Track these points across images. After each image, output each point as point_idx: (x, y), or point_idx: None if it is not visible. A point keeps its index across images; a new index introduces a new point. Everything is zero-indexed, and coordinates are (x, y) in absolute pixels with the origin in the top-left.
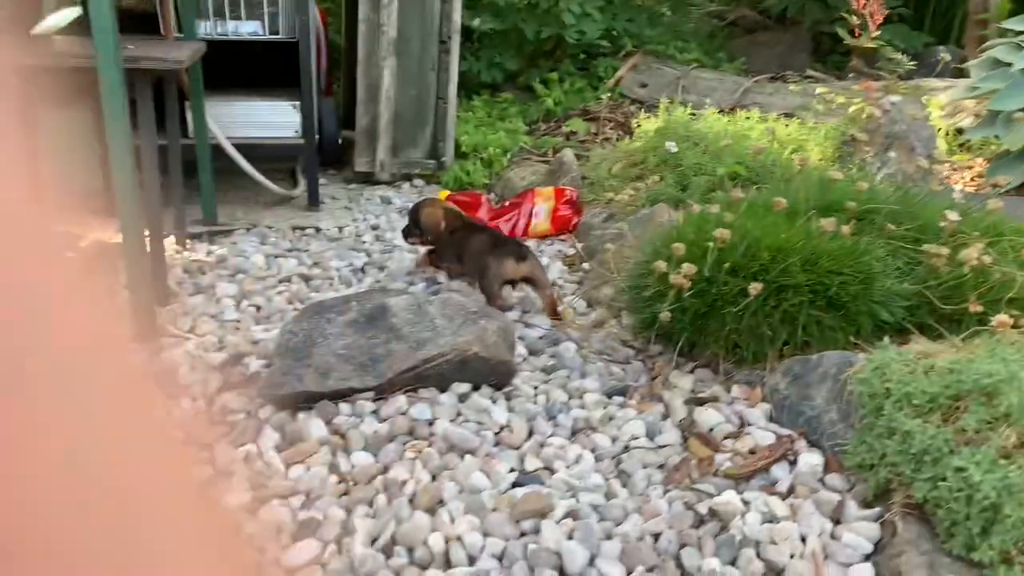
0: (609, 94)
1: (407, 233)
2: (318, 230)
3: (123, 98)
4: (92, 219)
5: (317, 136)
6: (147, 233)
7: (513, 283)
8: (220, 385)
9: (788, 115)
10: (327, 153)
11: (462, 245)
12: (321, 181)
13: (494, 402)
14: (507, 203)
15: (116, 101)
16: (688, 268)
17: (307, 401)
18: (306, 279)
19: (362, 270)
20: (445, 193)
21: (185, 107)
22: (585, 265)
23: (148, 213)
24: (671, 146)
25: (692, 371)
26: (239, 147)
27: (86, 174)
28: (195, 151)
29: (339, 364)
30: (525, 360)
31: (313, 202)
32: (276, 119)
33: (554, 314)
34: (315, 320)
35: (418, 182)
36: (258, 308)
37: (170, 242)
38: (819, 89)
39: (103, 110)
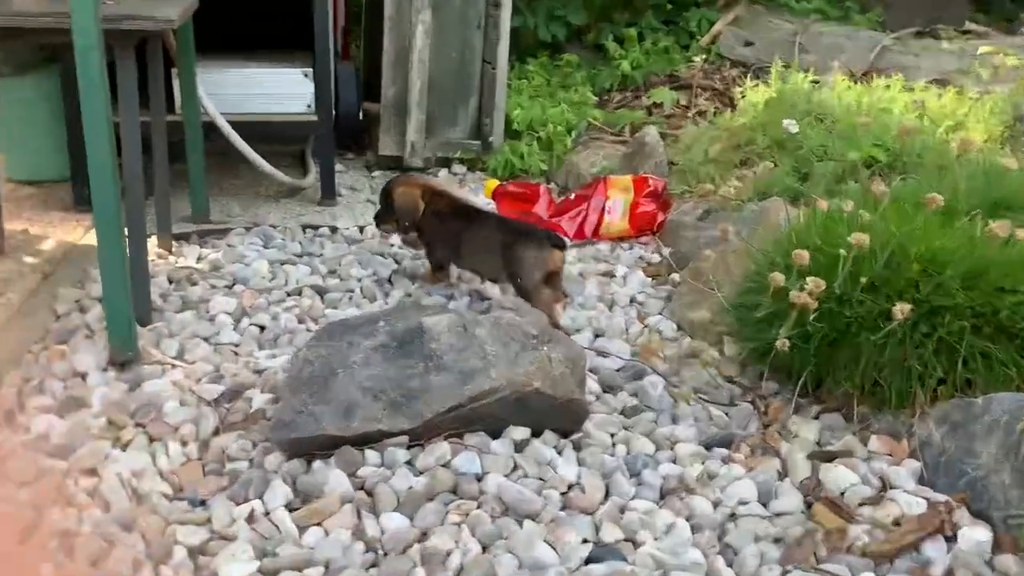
0: (704, 56)
1: (379, 219)
2: (334, 230)
3: (101, 66)
4: (56, 215)
5: (333, 111)
6: (126, 233)
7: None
8: (216, 425)
9: (941, 82)
10: (344, 132)
11: (460, 235)
12: (338, 168)
13: (560, 452)
14: (572, 195)
15: (93, 70)
16: (814, 283)
17: (325, 447)
18: (321, 292)
19: (389, 281)
20: (493, 183)
21: (172, 76)
22: (675, 276)
23: (128, 208)
24: (789, 124)
25: (817, 416)
26: (237, 125)
27: (50, 159)
28: (183, 130)
29: (365, 401)
30: (599, 399)
31: (328, 194)
32: (283, 90)
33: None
34: (334, 344)
35: (459, 168)
36: (262, 328)
37: (152, 244)
38: (982, 48)
39: (78, 80)
